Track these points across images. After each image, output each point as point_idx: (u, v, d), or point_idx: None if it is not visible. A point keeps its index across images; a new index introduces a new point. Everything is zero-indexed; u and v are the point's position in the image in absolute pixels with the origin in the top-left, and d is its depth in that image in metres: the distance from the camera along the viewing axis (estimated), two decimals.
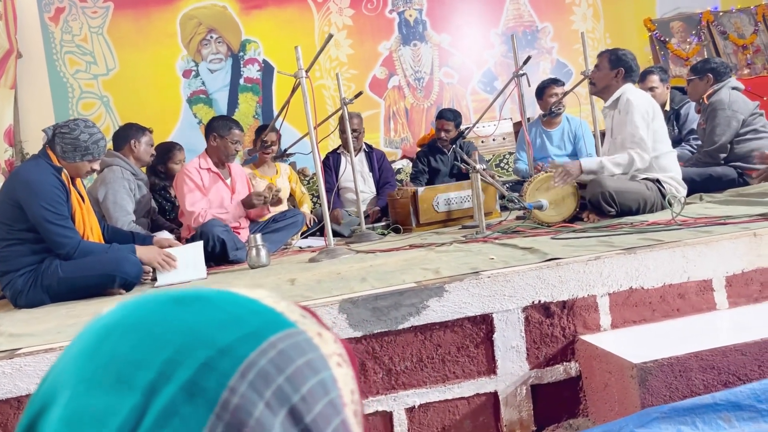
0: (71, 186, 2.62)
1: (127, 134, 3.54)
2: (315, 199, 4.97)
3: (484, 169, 3.03)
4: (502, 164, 5.63)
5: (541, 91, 4.55)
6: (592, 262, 1.85)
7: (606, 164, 2.87)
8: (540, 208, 2.79)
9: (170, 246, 2.88)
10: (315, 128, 2.95)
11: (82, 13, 5.82)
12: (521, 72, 3.52)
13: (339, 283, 2.03)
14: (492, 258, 2.08)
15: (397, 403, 1.77)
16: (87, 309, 2.28)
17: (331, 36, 2.76)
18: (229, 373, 0.32)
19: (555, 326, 1.84)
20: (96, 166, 2.66)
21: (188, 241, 3.26)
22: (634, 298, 1.88)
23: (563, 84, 4.62)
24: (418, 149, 5.19)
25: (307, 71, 2.78)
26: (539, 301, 1.82)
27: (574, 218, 2.90)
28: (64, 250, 2.55)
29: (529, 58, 3.45)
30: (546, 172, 2.94)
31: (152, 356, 0.32)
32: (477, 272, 1.84)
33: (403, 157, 6.22)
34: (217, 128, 3.47)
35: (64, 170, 2.58)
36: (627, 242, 2.06)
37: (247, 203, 3.43)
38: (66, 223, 2.54)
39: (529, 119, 4.78)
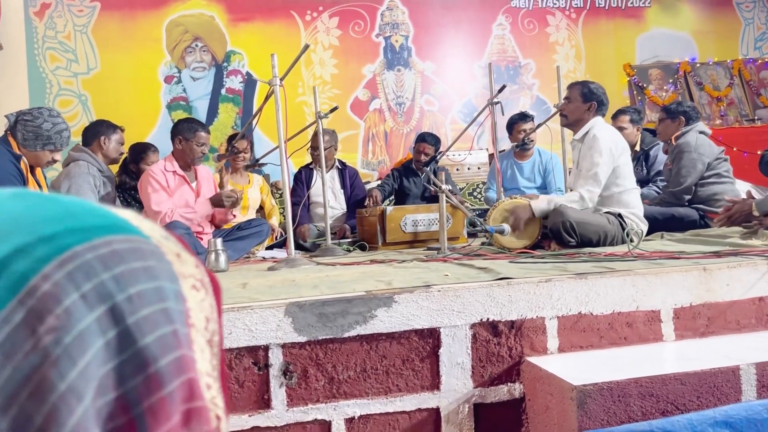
0: (30, 175, 2.57)
1: (97, 130, 3.50)
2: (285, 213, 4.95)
3: (450, 190, 3.04)
4: (475, 193, 5.67)
5: (511, 127, 4.61)
6: (542, 284, 1.85)
7: (557, 202, 2.90)
8: (501, 232, 2.80)
9: None
10: (286, 141, 2.95)
11: (68, 11, 5.80)
12: (496, 101, 3.56)
13: (290, 289, 2.01)
14: (446, 275, 2.07)
15: (337, 413, 1.73)
16: None
17: (307, 46, 2.78)
18: (45, 260, 0.30)
19: (502, 345, 1.83)
20: (57, 156, 2.62)
21: None
22: (583, 324, 1.88)
23: (532, 119, 4.70)
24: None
25: (281, 79, 2.78)
26: (487, 319, 1.81)
27: (536, 246, 2.92)
28: None
29: (503, 87, 3.50)
30: (511, 197, 2.96)
31: None
32: (428, 285, 1.84)
33: (380, 179, 6.24)
34: (182, 131, 3.45)
35: (24, 158, 2.54)
36: (580, 269, 2.07)
37: (216, 202, 3.39)
38: None
39: (503, 150, 4.84)
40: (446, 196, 2.87)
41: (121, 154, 3.67)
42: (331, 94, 6.27)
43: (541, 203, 2.92)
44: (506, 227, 2.80)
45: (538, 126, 3.78)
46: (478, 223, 2.81)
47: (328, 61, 6.34)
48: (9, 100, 5.47)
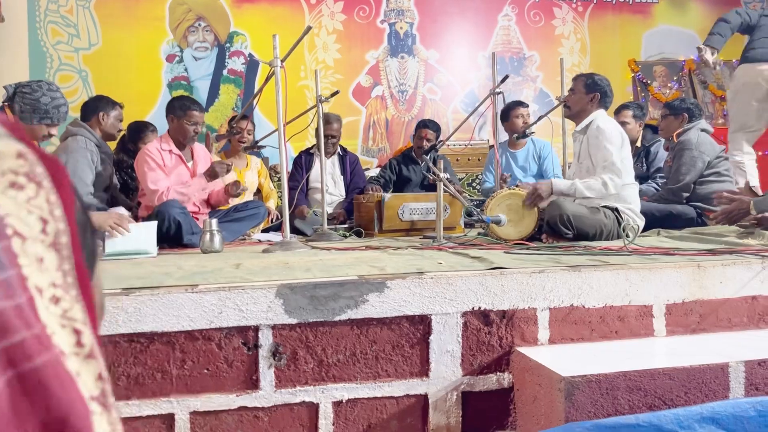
0: None
1: (96, 106, 3.47)
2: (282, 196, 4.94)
3: (448, 179, 3.03)
4: (474, 184, 5.65)
5: (507, 113, 4.57)
6: (535, 275, 1.85)
7: (579, 186, 2.90)
8: (498, 222, 2.80)
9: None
10: (285, 124, 2.93)
11: None
12: (498, 91, 3.54)
13: (283, 271, 2.00)
14: (440, 263, 2.07)
15: (325, 396, 1.73)
16: None
17: (309, 28, 2.76)
18: None
19: (493, 335, 1.83)
20: (54, 131, 2.61)
21: (145, 221, 3.20)
22: (574, 316, 1.88)
23: (527, 106, 4.69)
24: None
25: (282, 60, 2.76)
26: (479, 308, 1.81)
27: (532, 238, 2.91)
28: None
29: (506, 77, 3.48)
30: (509, 188, 2.95)
31: None
32: (420, 272, 1.83)
33: (379, 166, 6.22)
34: (174, 109, 3.42)
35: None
36: (574, 261, 2.06)
37: (211, 173, 3.36)
38: None
39: (492, 146, 4.85)
40: (444, 185, 2.86)
41: (120, 131, 3.65)
42: (333, 79, 6.24)
43: (563, 184, 2.93)
44: (503, 217, 2.79)
45: (539, 119, 3.76)
46: (475, 212, 2.80)
47: (332, 45, 6.29)
48: (9, 74, 5.43)
